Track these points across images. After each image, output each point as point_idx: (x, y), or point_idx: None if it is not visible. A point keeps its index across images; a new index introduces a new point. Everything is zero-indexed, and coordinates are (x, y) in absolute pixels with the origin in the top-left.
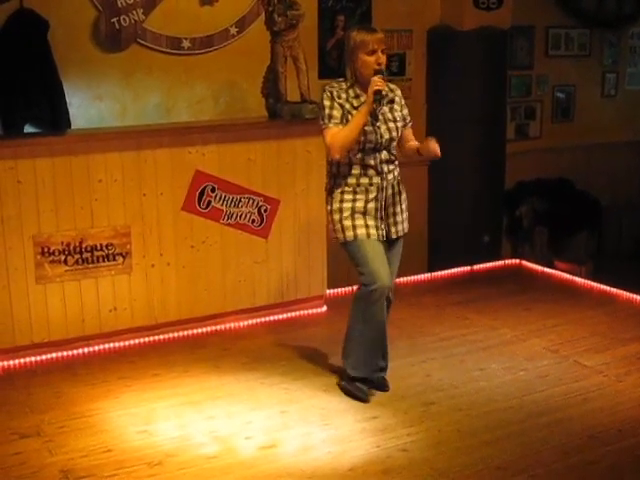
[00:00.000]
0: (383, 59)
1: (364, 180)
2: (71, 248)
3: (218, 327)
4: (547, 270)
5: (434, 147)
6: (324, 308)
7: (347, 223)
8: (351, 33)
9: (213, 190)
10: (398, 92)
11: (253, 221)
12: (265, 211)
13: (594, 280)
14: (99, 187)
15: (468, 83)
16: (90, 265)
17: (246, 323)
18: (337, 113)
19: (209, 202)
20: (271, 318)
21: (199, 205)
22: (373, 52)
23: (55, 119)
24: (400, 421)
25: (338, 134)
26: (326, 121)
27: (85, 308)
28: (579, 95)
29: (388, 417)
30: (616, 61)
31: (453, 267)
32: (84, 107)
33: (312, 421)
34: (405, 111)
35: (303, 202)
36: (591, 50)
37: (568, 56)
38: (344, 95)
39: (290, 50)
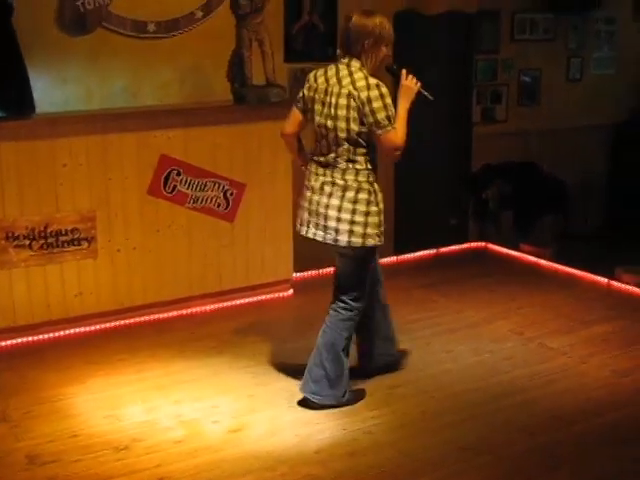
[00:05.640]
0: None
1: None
2: (36, 233)
3: (184, 311)
4: (513, 253)
5: None
6: (290, 292)
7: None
8: (376, 20)
9: (179, 174)
10: None
11: (219, 205)
12: (231, 195)
13: (559, 262)
14: (64, 171)
15: (434, 67)
16: (55, 250)
17: (212, 307)
18: None
19: (175, 186)
20: (237, 302)
21: (165, 189)
22: (391, 45)
23: (19, 103)
24: (365, 404)
25: (404, 132)
26: (392, 121)
27: (50, 293)
28: (545, 79)
29: None
30: (581, 45)
31: (419, 250)
32: (49, 91)
33: (279, 404)
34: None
35: (269, 186)
36: (556, 34)
37: (533, 40)
38: None
39: (255, 34)
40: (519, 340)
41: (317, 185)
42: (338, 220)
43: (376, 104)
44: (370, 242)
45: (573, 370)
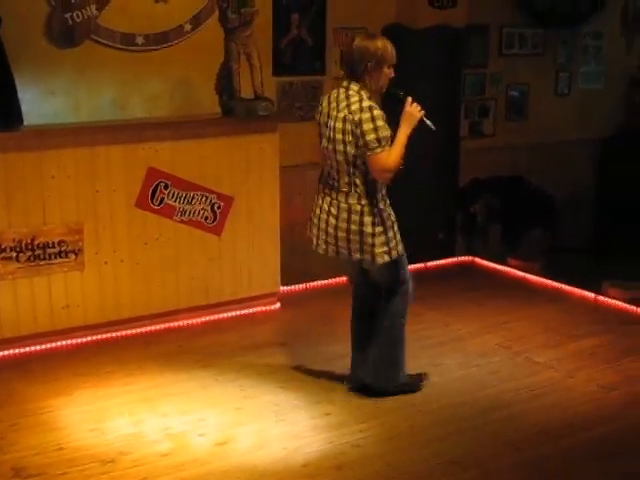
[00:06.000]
0: (392, 74)
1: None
2: (23, 245)
3: (172, 324)
4: (500, 267)
5: None
6: (277, 305)
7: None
8: (378, 43)
9: (166, 187)
10: None
11: (206, 218)
12: (218, 208)
13: (546, 276)
14: (52, 183)
15: (422, 81)
16: (42, 262)
17: (200, 320)
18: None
19: (162, 199)
20: (225, 315)
21: (152, 202)
22: (394, 66)
23: (7, 115)
24: (353, 417)
25: (398, 155)
26: (383, 143)
27: (37, 305)
28: (533, 93)
29: (341, 413)
30: (569, 60)
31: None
32: (37, 103)
33: (266, 418)
34: None
35: (257, 199)
36: (545, 49)
37: (522, 55)
38: None
39: (244, 47)
40: (506, 354)
41: (325, 206)
42: (348, 241)
43: (366, 126)
44: (379, 261)
45: (560, 384)
